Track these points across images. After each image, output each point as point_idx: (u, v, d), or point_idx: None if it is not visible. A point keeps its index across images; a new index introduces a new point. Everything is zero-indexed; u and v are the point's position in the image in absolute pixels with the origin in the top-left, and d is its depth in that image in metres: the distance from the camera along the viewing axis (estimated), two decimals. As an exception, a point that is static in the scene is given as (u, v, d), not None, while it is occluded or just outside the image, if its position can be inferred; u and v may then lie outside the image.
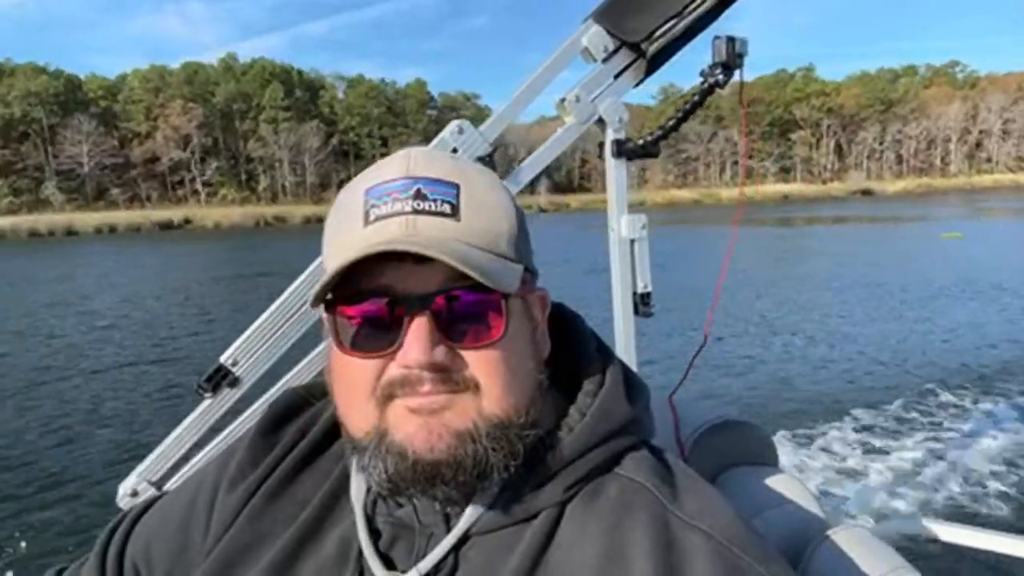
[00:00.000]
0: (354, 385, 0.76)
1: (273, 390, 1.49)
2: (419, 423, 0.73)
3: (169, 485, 1.56)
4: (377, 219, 0.74)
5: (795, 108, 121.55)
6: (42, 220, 72.28)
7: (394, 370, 0.73)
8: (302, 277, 1.53)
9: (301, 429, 0.97)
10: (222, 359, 1.54)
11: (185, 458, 1.58)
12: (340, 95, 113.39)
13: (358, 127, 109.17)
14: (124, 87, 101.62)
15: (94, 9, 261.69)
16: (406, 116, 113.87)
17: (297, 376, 1.54)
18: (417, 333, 0.71)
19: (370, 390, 0.74)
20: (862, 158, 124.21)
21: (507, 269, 0.75)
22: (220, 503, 0.94)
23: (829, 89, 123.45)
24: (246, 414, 1.54)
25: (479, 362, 0.74)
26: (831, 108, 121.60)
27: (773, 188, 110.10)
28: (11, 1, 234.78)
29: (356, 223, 0.75)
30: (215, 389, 1.55)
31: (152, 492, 1.56)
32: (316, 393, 1.01)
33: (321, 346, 1.45)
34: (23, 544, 5.95)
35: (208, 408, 1.57)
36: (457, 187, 0.76)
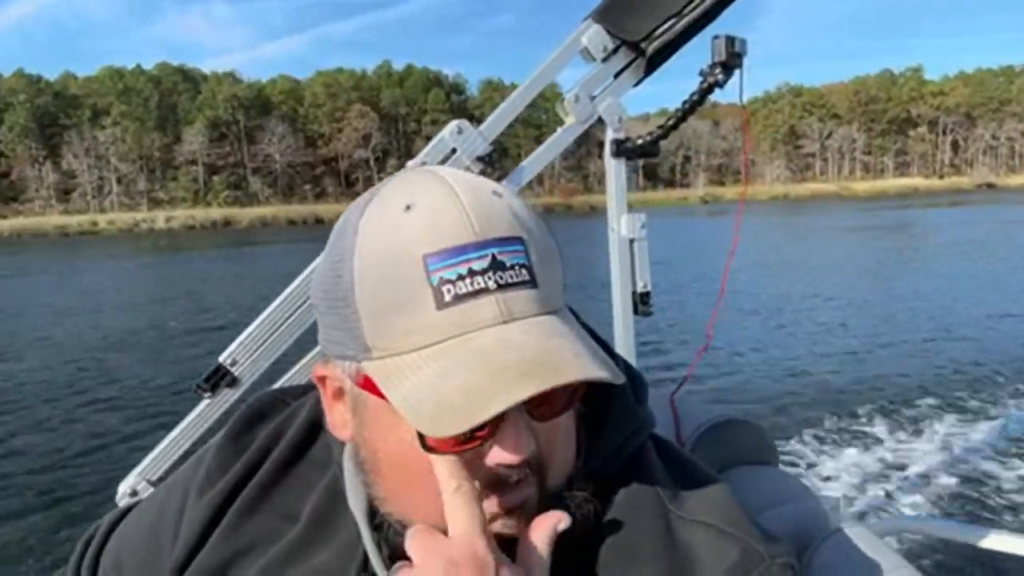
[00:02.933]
0: (428, 487, 0.64)
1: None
2: (500, 525, 0.66)
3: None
4: (456, 300, 0.60)
5: (911, 106, 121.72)
6: (292, 210, 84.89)
7: (488, 468, 0.63)
8: (301, 277, 1.49)
9: (274, 432, 0.88)
10: (221, 359, 1.50)
11: (184, 457, 1.51)
12: (473, 95, 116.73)
13: (505, 128, 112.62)
14: (305, 92, 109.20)
15: (121, 11, 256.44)
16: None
17: (296, 375, 1.49)
18: (516, 425, 0.62)
19: None
20: (978, 154, 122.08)
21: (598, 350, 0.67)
22: (188, 511, 0.86)
23: (947, 88, 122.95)
24: None
25: (550, 436, 0.66)
26: (948, 107, 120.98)
27: (907, 182, 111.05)
28: (43, 3, 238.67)
29: (423, 304, 0.61)
30: (214, 389, 1.50)
31: (150, 492, 1.50)
32: (291, 394, 0.93)
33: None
34: (23, 544, 5.74)
35: (207, 408, 1.53)
36: (523, 242, 0.64)
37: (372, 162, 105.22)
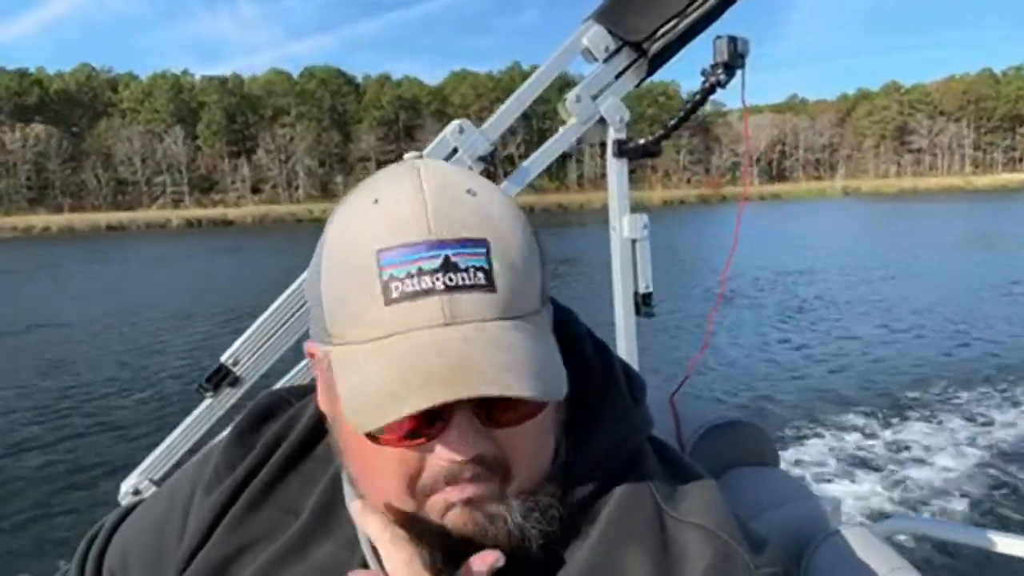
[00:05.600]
0: (384, 473, 0.64)
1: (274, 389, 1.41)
2: (458, 514, 0.63)
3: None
4: (403, 298, 0.58)
5: (1020, 105, 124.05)
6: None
7: (436, 464, 0.62)
8: (301, 278, 1.41)
9: (280, 430, 0.85)
10: (223, 359, 1.44)
11: (186, 457, 1.48)
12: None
13: (631, 125, 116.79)
14: (452, 93, 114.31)
15: (151, 11, 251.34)
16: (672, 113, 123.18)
17: (298, 375, 1.45)
18: (461, 426, 0.60)
19: (407, 482, 0.63)
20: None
21: (556, 359, 0.63)
22: (195, 508, 0.83)
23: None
24: None
25: (515, 437, 0.63)
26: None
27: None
28: (76, 3, 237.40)
29: (374, 300, 0.59)
30: (216, 388, 1.45)
31: (153, 490, 1.45)
32: (296, 393, 0.90)
33: None
34: (27, 543, 5.56)
35: (209, 407, 1.48)
36: (487, 245, 0.60)
37: (517, 158, 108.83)
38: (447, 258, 0.59)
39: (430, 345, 0.58)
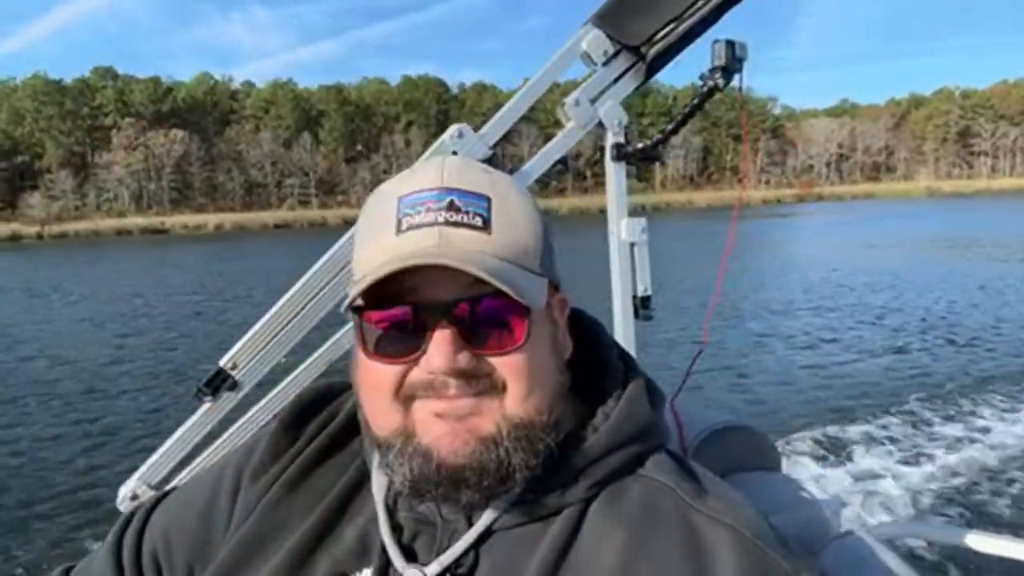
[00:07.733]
0: (378, 387, 0.70)
1: (273, 393, 1.38)
2: (446, 428, 0.68)
3: (169, 488, 1.35)
4: (409, 228, 0.67)
5: None
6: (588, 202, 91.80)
7: (417, 374, 0.68)
8: (302, 281, 1.37)
9: (322, 424, 0.89)
10: (222, 363, 1.39)
11: (185, 461, 1.44)
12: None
13: (710, 128, 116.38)
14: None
15: (164, 17, 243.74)
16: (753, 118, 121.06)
17: (297, 380, 1.40)
18: (440, 340, 0.66)
19: (393, 393, 0.69)
20: None
21: (535, 283, 0.69)
22: (243, 495, 0.86)
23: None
24: (245, 417, 1.42)
25: (503, 367, 0.68)
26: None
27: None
28: (88, 7, 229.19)
29: (389, 231, 0.68)
30: (215, 393, 1.39)
31: (152, 495, 1.37)
32: (337, 388, 0.94)
33: (321, 349, 1.39)
34: (24, 546, 5.40)
35: (208, 411, 1.42)
36: (489, 200, 0.69)
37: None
38: (452, 201, 0.67)
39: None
